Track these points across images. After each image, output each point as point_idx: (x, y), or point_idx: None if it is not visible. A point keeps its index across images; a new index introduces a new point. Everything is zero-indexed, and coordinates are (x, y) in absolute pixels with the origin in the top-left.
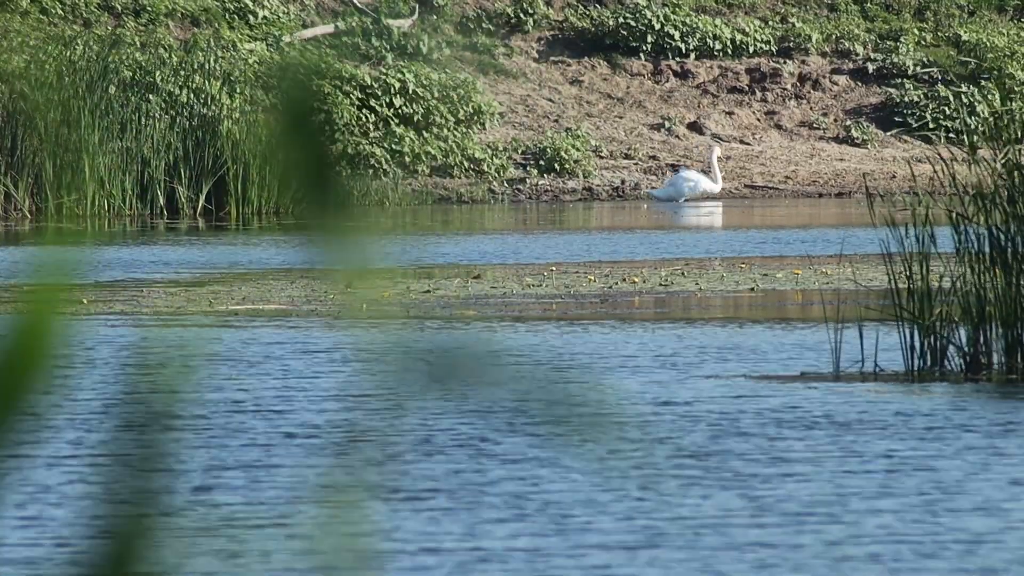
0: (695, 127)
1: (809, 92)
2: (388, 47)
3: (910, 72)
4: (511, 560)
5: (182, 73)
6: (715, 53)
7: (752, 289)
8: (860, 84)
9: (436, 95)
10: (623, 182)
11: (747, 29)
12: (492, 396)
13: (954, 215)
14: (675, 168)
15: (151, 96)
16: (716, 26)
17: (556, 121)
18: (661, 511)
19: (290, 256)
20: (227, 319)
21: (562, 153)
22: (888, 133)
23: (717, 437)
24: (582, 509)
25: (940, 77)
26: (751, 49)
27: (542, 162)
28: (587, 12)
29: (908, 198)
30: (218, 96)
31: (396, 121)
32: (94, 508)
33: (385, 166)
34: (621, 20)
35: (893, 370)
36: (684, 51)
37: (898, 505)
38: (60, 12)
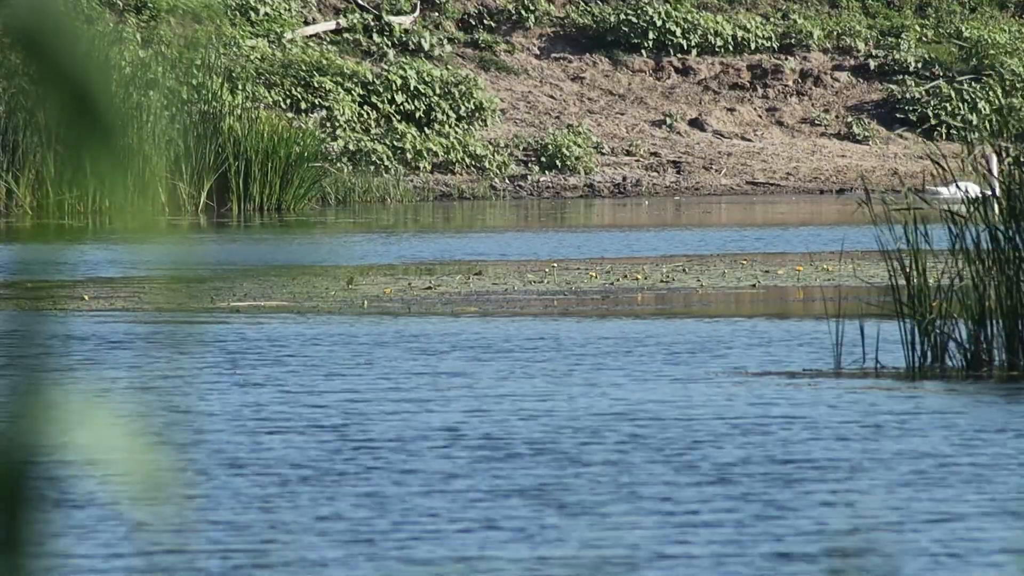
0: (696, 124)
1: (810, 88)
2: (389, 43)
3: (910, 69)
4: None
5: (183, 69)
6: (717, 50)
7: (754, 285)
8: (861, 80)
9: (438, 91)
10: (624, 179)
11: (748, 26)
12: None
13: (955, 212)
14: (674, 165)
15: (152, 92)
16: (718, 23)
17: (557, 118)
18: (658, 508)
19: (292, 253)
20: (228, 316)
21: (563, 150)
22: (896, 132)
23: (716, 434)
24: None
25: (942, 74)
26: (752, 46)
27: (543, 159)
28: (588, 9)
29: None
30: (220, 92)
31: (398, 118)
32: None
33: (387, 163)
34: (623, 17)
35: (894, 366)
36: (686, 48)
37: (900, 503)
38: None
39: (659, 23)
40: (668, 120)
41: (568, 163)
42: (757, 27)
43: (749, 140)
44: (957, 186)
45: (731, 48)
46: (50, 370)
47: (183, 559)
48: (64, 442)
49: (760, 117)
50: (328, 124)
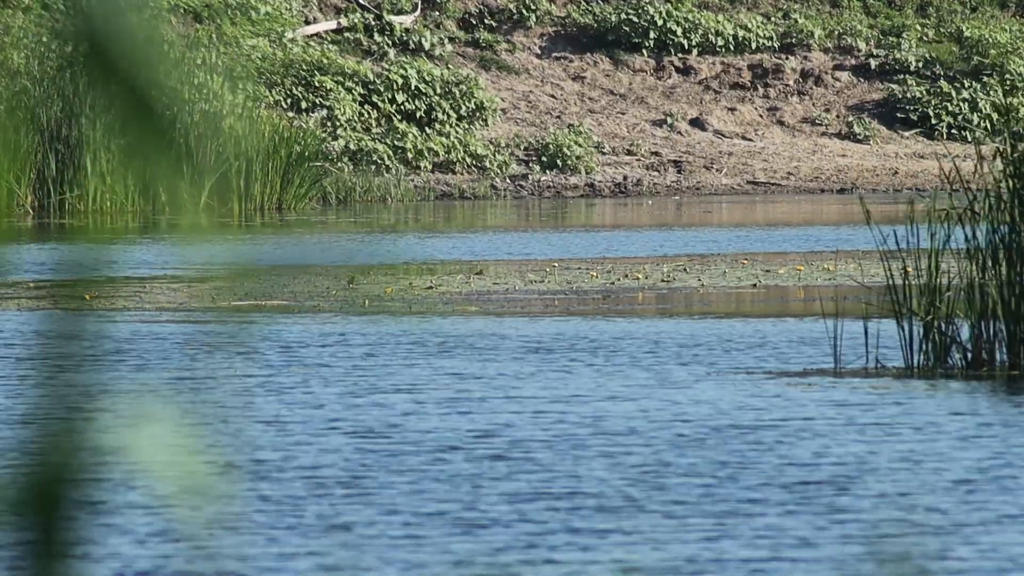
0: (697, 123)
1: (811, 88)
2: (390, 43)
3: (911, 69)
4: None
5: (184, 69)
6: (717, 49)
7: (754, 285)
8: (862, 80)
9: (438, 91)
10: (625, 178)
11: (749, 25)
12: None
13: (956, 211)
14: (674, 165)
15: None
16: (718, 22)
17: (558, 117)
18: (657, 505)
19: (291, 253)
20: (229, 314)
21: (564, 149)
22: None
23: (716, 433)
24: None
25: (942, 73)
26: (753, 45)
27: (544, 158)
28: (590, 8)
29: (912, 194)
30: (220, 92)
31: (399, 117)
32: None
33: (388, 162)
34: (624, 16)
35: (895, 366)
36: (686, 47)
37: (900, 504)
38: (62, 8)
39: (660, 23)
40: (669, 120)
41: (569, 163)
42: (758, 27)
43: (750, 140)
44: None
45: (732, 48)
46: (95, 371)
47: (208, 563)
48: (111, 446)
49: (761, 117)
50: (329, 124)
